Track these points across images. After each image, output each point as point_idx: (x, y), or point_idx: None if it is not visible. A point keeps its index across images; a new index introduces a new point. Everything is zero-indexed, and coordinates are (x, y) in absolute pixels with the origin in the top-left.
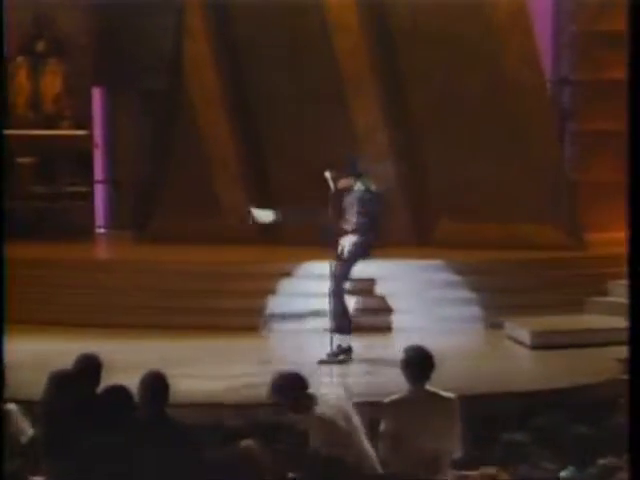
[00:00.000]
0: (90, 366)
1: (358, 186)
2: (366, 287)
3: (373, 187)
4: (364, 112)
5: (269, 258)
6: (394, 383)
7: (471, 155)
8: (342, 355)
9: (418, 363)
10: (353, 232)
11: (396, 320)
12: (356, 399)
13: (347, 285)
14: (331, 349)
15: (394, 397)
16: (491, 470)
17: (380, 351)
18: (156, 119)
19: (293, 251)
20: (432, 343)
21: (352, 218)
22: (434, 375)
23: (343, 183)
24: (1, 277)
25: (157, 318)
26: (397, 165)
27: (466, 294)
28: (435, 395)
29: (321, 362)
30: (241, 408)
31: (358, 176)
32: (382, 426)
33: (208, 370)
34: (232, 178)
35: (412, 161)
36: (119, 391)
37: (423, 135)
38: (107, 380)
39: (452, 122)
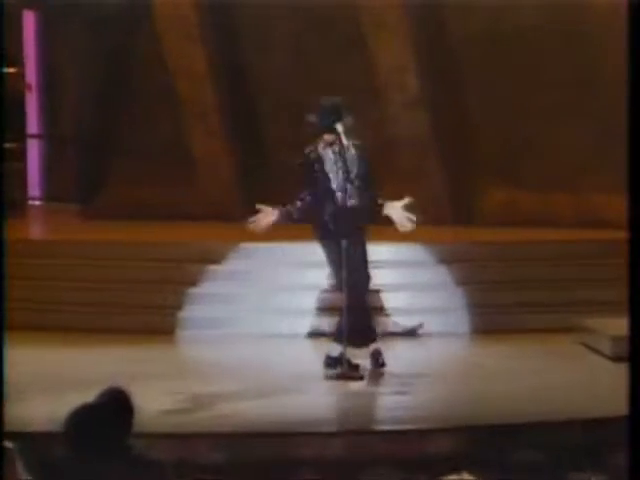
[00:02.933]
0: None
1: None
2: None
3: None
4: (388, 47)
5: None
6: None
7: (529, 104)
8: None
9: None
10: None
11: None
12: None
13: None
14: (344, 362)
15: None
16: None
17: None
18: (109, 54)
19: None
20: (480, 353)
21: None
22: (489, 396)
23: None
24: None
25: (97, 319)
26: (431, 118)
27: (519, 287)
28: None
29: (328, 377)
30: (224, 439)
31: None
32: None
33: (169, 388)
34: (211, 132)
35: (451, 113)
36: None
37: (465, 78)
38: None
39: (504, 61)
